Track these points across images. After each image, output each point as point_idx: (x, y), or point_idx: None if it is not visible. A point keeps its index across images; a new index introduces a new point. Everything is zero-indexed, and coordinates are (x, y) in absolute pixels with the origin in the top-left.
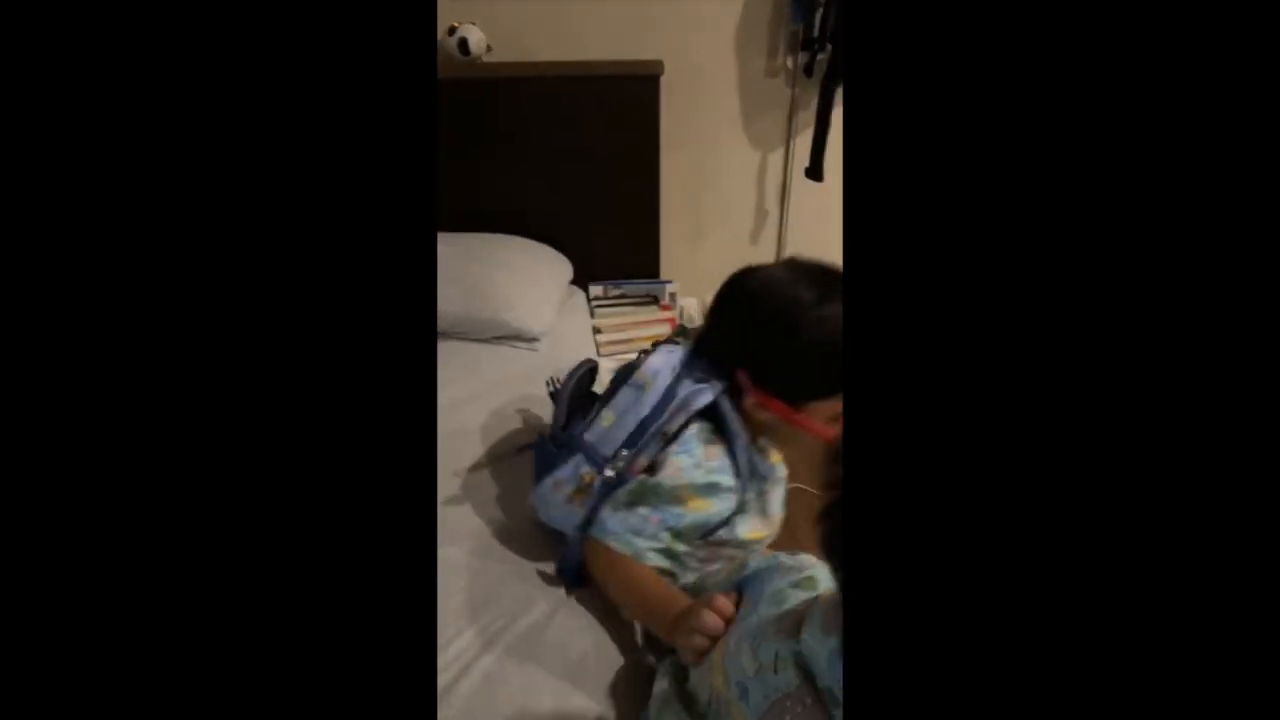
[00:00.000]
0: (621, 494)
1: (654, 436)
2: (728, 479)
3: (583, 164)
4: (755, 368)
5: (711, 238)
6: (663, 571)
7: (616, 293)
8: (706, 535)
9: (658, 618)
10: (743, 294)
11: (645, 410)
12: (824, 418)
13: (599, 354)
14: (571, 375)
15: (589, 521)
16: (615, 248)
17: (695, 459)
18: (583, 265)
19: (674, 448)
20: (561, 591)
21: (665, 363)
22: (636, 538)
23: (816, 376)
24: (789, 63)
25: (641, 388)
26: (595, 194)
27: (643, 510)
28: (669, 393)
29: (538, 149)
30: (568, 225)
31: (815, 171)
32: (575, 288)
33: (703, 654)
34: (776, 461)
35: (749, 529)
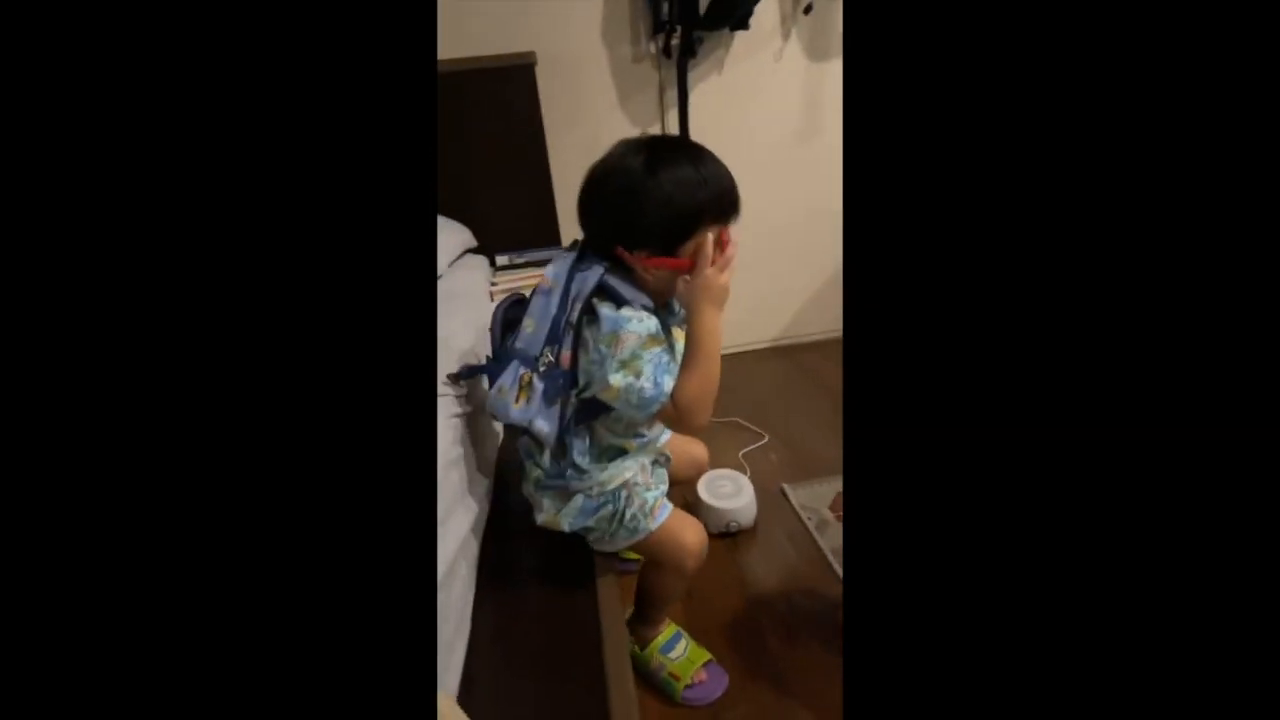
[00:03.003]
0: (618, 378)
1: (565, 328)
2: (655, 322)
3: (478, 150)
4: (626, 238)
5: None
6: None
7: (521, 260)
8: None
9: (709, 325)
10: (593, 185)
11: (554, 308)
12: (713, 245)
13: (492, 300)
14: (500, 305)
15: (587, 412)
16: (517, 222)
17: (631, 322)
18: (489, 239)
19: (603, 327)
20: None
21: (563, 266)
22: (663, 387)
23: (672, 223)
24: (651, 48)
25: (549, 291)
26: (493, 176)
27: (648, 371)
28: (567, 287)
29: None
30: (472, 205)
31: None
32: (478, 256)
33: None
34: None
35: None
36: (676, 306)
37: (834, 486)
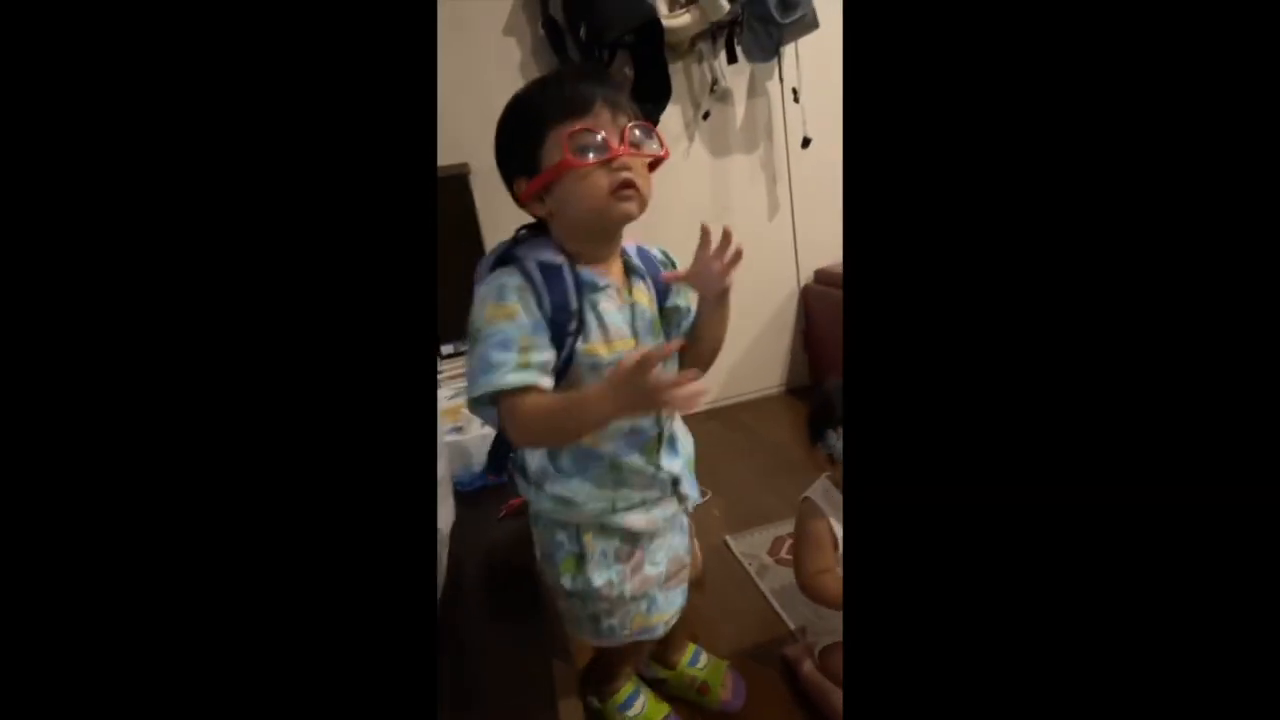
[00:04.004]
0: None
1: None
2: (515, 279)
3: None
4: (509, 183)
5: None
6: (534, 388)
7: (465, 348)
8: (559, 347)
9: (602, 406)
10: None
11: None
12: (562, 147)
13: (439, 384)
14: None
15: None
16: (461, 315)
17: (485, 287)
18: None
19: None
20: None
21: (488, 258)
22: (491, 373)
23: (517, 135)
24: None
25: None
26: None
27: (478, 350)
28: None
29: None
30: None
31: None
32: None
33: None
34: (608, 279)
35: (588, 344)
36: (625, 250)
37: (772, 533)
